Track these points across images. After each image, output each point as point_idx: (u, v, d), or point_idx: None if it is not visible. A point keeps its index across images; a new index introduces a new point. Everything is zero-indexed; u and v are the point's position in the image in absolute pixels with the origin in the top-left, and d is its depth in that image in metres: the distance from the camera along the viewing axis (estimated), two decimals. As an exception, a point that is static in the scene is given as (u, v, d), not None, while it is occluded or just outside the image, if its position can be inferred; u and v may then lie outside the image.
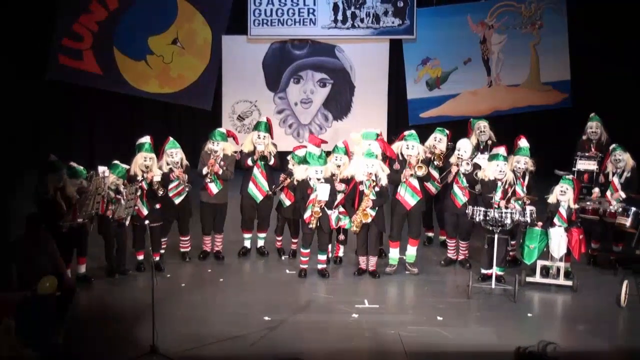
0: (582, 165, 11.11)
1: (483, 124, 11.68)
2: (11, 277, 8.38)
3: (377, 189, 10.05)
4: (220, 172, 10.73)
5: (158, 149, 10.69)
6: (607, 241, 11.02)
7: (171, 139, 10.77)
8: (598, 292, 10.04)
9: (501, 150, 10.39)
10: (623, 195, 10.58)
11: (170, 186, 10.53)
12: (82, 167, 10.18)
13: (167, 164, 10.56)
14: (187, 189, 10.67)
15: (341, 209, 10.34)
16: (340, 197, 10.31)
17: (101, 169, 9.89)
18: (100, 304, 9.59)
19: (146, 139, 10.52)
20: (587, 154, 11.36)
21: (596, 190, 10.82)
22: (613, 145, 11.03)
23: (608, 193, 10.71)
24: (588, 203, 10.61)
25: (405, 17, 15.98)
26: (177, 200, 10.67)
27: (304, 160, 10.56)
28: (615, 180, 10.78)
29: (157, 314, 8.10)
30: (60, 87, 15.81)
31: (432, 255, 11.38)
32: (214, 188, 10.80)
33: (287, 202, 10.79)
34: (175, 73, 16.11)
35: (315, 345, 8.51)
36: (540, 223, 10.07)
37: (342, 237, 10.75)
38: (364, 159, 10.12)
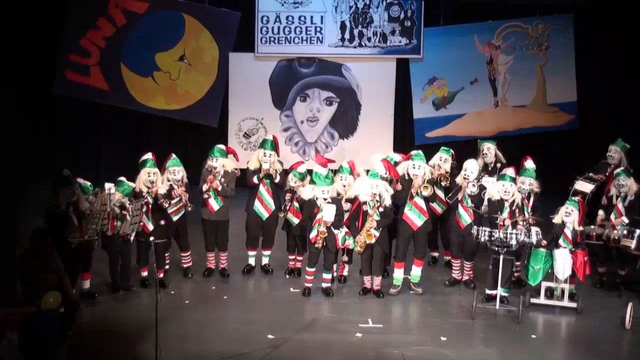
0: (579, 186, 11.11)
1: (487, 146, 11.58)
2: (15, 292, 8.38)
3: (380, 209, 10.05)
4: (220, 188, 10.74)
5: (161, 165, 10.70)
6: (613, 264, 10.99)
7: (173, 155, 10.78)
8: (602, 314, 10.03)
9: (509, 171, 10.38)
10: (626, 220, 10.55)
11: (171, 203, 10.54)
12: (89, 183, 10.23)
13: (168, 180, 10.55)
14: (188, 209, 10.68)
15: (347, 229, 10.34)
16: (346, 216, 10.31)
17: (107, 185, 9.94)
18: (104, 320, 9.58)
19: (148, 156, 10.57)
20: (590, 175, 11.34)
21: (601, 213, 10.81)
22: (617, 170, 11.04)
23: (612, 217, 10.72)
24: (592, 227, 10.59)
25: (412, 37, 16.02)
26: (175, 218, 10.66)
27: (305, 177, 10.58)
28: (619, 204, 10.77)
29: (160, 331, 8.07)
30: (67, 102, 15.87)
31: (436, 275, 11.36)
32: (214, 205, 10.80)
33: (295, 220, 10.79)
34: (182, 90, 16.16)
35: (318, 364, 8.50)
36: (544, 242, 10.06)
37: (346, 258, 10.77)
38: (367, 180, 10.12)
